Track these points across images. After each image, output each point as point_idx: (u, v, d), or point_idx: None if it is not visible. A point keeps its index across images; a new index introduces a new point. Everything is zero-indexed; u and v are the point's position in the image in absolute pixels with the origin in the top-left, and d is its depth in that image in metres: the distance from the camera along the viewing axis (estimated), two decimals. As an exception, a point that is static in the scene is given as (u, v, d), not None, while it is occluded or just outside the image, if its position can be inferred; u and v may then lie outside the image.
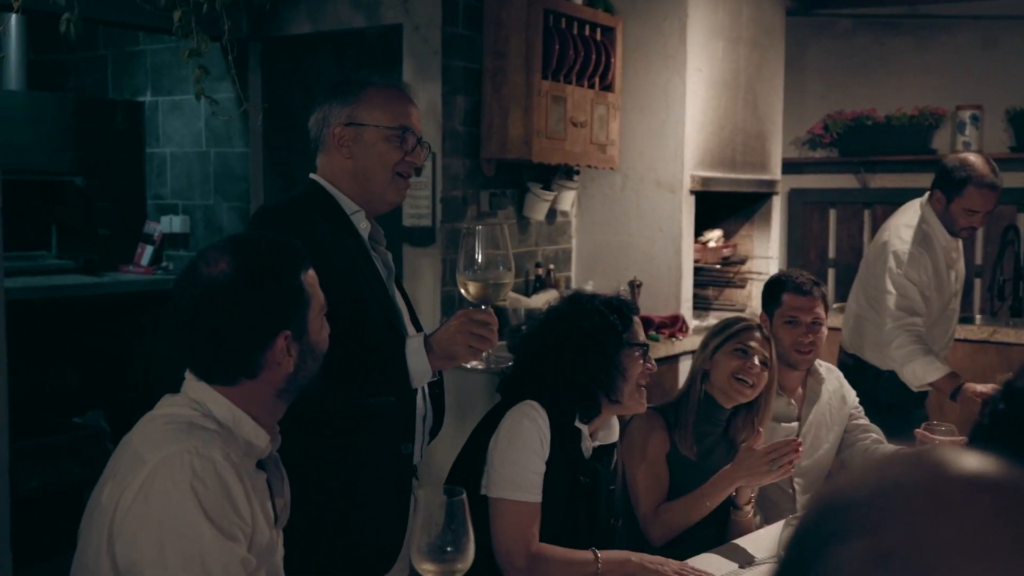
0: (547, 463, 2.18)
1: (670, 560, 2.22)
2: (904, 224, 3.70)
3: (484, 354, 1.95)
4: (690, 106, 4.68)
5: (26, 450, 4.12)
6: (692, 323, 4.88)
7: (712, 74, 4.84)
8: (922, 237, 3.64)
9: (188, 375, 1.58)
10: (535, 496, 2.17)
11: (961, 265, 3.80)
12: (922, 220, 3.66)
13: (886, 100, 5.97)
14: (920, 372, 3.46)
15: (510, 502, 2.15)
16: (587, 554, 2.17)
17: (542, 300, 4.43)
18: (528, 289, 4.64)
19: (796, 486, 3.00)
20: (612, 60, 4.58)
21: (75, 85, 5.39)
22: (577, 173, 4.89)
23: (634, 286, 4.61)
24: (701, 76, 4.75)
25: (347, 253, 2.02)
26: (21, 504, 3.93)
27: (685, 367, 4.70)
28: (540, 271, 4.67)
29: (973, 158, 3.58)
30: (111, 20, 3.74)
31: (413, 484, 2.16)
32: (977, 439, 1.01)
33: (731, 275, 5.41)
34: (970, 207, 3.53)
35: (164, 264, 5.15)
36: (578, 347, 2.24)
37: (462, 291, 1.94)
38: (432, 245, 4.19)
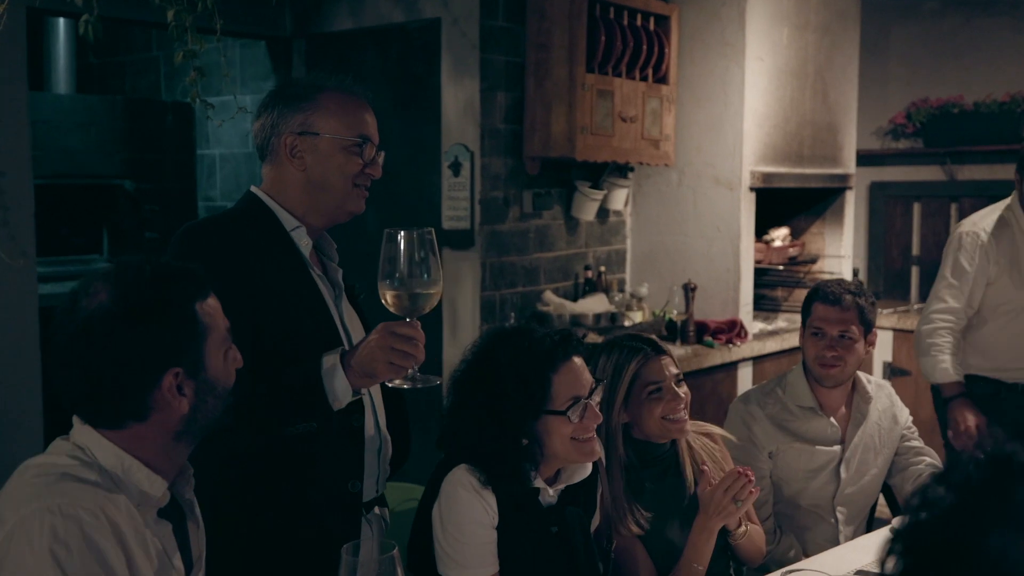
0: (499, 528, 1.94)
1: None
2: (983, 213, 3.51)
3: (409, 371, 1.74)
4: (750, 97, 4.40)
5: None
6: (755, 326, 4.61)
7: (776, 63, 4.55)
8: (998, 221, 3.42)
9: (75, 418, 1.44)
10: (488, 569, 1.93)
11: None
12: (1006, 207, 3.44)
13: (975, 86, 5.55)
14: (929, 368, 3.40)
15: None
16: None
17: (589, 305, 4.22)
18: (577, 293, 4.44)
19: (839, 515, 2.74)
20: (666, 50, 4.33)
21: (131, 87, 5.40)
22: (631, 170, 4.65)
23: (688, 289, 4.36)
24: (763, 65, 4.47)
25: (281, 274, 1.85)
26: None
27: (744, 375, 4.44)
28: (590, 274, 4.45)
29: None
30: (133, 20, 3.67)
31: (375, 519, 1.98)
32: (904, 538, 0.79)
33: (801, 275, 5.10)
34: None
35: (216, 266, 5.12)
36: (480, 414, 1.93)
37: (382, 301, 1.74)
38: (471, 248, 4.02)
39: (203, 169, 5.16)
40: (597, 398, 1.98)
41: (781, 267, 4.88)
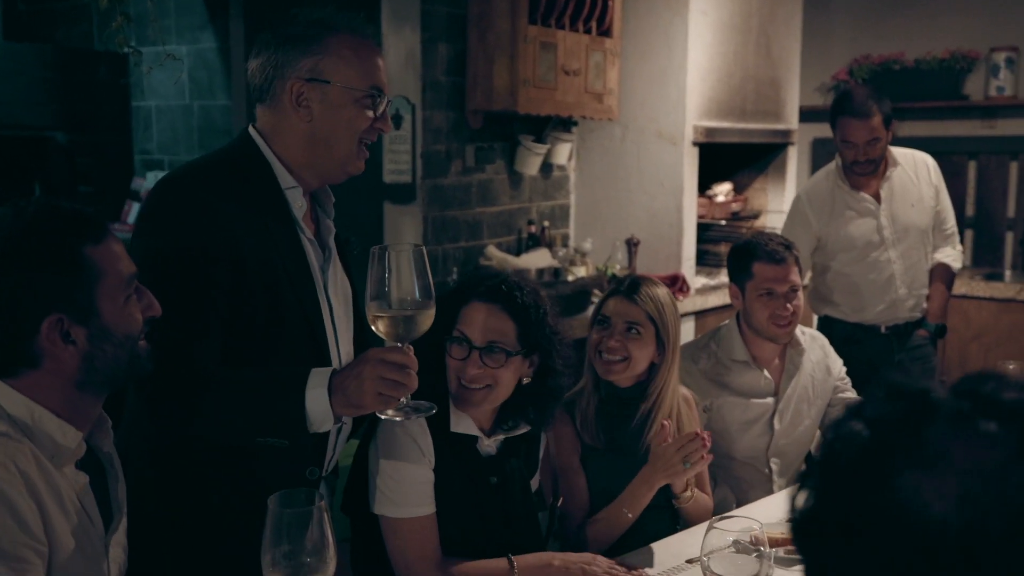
0: (436, 470, 1.94)
1: (599, 558, 2.00)
2: (813, 177, 3.77)
3: (401, 401, 1.58)
4: (693, 51, 4.39)
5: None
6: (698, 281, 4.63)
7: (720, 17, 4.53)
8: (820, 181, 3.66)
9: None
10: (424, 509, 1.92)
11: (888, 217, 3.53)
12: (829, 168, 3.65)
13: (916, 43, 5.60)
14: None
15: (397, 520, 1.92)
16: (501, 562, 1.95)
17: (532, 260, 4.21)
18: (520, 247, 4.42)
19: (773, 466, 2.77)
20: (610, 3, 4.29)
21: (63, 36, 5.23)
22: (575, 124, 4.63)
23: (631, 244, 4.36)
24: (707, 19, 4.45)
25: (270, 241, 1.70)
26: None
27: (686, 329, 4.47)
28: (533, 228, 4.43)
29: (853, 89, 3.54)
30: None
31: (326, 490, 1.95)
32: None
33: (744, 230, 5.13)
34: (844, 138, 3.45)
35: (154, 221, 5.00)
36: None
37: (371, 326, 1.60)
38: (413, 203, 3.98)
39: (139, 121, 5.03)
40: (500, 358, 1.92)
41: (724, 222, 4.91)
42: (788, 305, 2.66)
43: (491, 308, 1.93)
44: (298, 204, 1.77)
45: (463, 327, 1.93)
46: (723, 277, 4.92)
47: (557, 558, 1.97)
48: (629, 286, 2.33)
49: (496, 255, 4.17)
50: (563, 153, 4.51)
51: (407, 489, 1.91)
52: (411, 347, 1.59)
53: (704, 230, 4.84)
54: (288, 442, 1.66)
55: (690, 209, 4.50)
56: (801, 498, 0.77)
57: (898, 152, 3.60)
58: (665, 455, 2.16)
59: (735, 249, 2.81)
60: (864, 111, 3.38)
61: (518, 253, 4.36)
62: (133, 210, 4.98)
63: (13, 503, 1.26)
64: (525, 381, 1.99)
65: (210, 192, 1.69)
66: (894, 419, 0.74)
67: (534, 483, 2.17)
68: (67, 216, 1.37)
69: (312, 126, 1.73)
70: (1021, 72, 5.25)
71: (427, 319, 1.59)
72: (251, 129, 1.79)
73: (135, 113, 5.02)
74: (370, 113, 1.75)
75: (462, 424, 1.97)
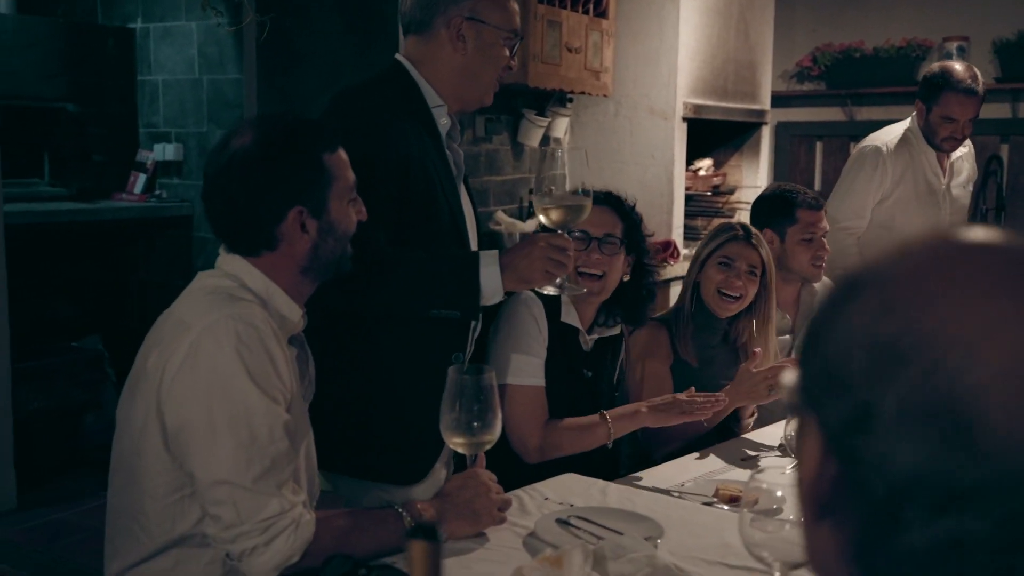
0: (548, 350, 2.25)
1: (679, 396, 2.26)
2: (885, 130, 3.77)
3: (557, 280, 1.88)
4: (683, 33, 4.71)
5: (26, 373, 4.14)
6: (682, 251, 4.95)
7: (705, 2, 4.86)
8: (901, 140, 3.67)
9: (221, 249, 1.63)
10: (538, 380, 2.23)
11: (947, 193, 3.73)
12: (907, 128, 3.70)
13: (874, 32, 6.01)
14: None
15: (515, 387, 2.21)
16: (595, 417, 2.25)
17: (535, 226, 4.47)
18: (522, 215, 4.69)
19: (791, 394, 3.08)
20: (606, -14, 4.59)
21: (65, 11, 5.32)
22: (571, 100, 4.91)
23: (627, 212, 4.66)
24: (694, 3, 4.77)
25: (424, 148, 1.93)
26: (22, 426, 3.96)
27: (673, 293, 4.78)
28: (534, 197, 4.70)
29: (953, 63, 3.56)
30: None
31: None
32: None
33: (720, 204, 5.48)
34: (947, 114, 3.51)
35: (157, 192, 5.14)
36: None
37: (541, 217, 1.89)
38: (429, 169, 4.21)
39: (144, 95, 5.16)
40: (614, 247, 2.26)
41: (709, 193, 5.24)
42: (824, 247, 2.94)
43: (604, 209, 2.31)
44: (443, 121, 2.01)
45: (583, 226, 2.24)
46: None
47: (644, 405, 2.26)
48: (746, 232, 2.58)
49: (505, 220, 4.44)
50: (561, 127, 4.80)
51: (525, 359, 2.21)
52: (568, 234, 1.88)
53: (684, 202, 5.16)
54: (459, 313, 1.93)
55: (680, 180, 4.82)
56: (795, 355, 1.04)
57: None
58: (752, 379, 2.40)
59: (769, 198, 3.06)
60: (974, 89, 3.46)
61: (522, 219, 4.63)
62: (139, 181, 5.12)
63: (272, 353, 1.50)
64: (625, 279, 2.32)
65: (377, 105, 1.94)
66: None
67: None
68: (313, 126, 1.63)
69: (466, 59, 1.98)
70: (971, 60, 5.68)
71: (586, 210, 1.89)
72: (399, 56, 2.03)
73: (140, 87, 5.15)
74: (507, 52, 2.01)
75: (570, 317, 2.30)
